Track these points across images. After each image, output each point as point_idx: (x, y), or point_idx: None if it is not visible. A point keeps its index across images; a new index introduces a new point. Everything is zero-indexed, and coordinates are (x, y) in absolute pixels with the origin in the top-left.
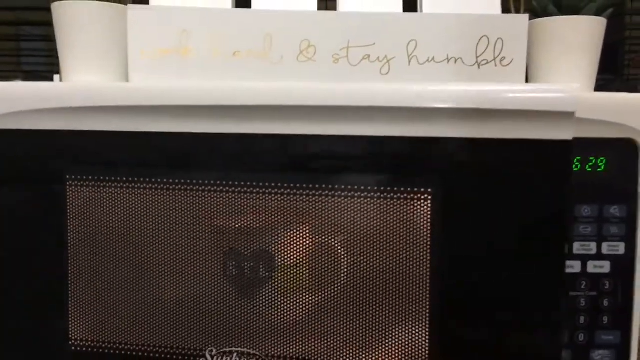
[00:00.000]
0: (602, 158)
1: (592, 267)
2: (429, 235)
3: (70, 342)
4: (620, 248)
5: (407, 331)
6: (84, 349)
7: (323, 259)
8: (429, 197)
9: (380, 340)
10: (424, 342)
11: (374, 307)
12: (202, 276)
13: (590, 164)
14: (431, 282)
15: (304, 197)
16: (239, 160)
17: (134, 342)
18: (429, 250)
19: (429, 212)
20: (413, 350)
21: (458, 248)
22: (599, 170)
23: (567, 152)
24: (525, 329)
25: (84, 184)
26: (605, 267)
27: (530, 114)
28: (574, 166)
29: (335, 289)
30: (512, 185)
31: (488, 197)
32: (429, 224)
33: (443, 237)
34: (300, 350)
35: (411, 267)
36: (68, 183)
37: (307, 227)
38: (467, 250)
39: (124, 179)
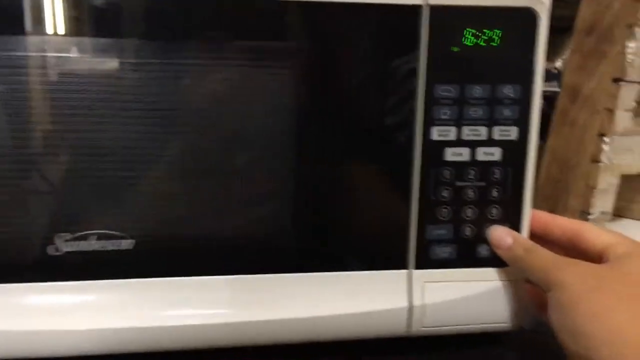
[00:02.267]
0: (497, 30)
1: (482, 154)
2: (287, 104)
3: None
4: (513, 133)
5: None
6: None
7: (177, 127)
8: (286, 66)
9: (242, 209)
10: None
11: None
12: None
13: (485, 37)
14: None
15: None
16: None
17: None
18: (287, 119)
19: (286, 81)
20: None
21: (314, 118)
22: (493, 44)
23: (415, 18)
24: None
25: None
26: (495, 154)
27: None
28: (467, 41)
29: (193, 158)
30: (366, 53)
31: (342, 67)
32: (286, 94)
33: (299, 106)
34: (164, 224)
35: (269, 135)
36: None
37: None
38: (322, 123)
39: None
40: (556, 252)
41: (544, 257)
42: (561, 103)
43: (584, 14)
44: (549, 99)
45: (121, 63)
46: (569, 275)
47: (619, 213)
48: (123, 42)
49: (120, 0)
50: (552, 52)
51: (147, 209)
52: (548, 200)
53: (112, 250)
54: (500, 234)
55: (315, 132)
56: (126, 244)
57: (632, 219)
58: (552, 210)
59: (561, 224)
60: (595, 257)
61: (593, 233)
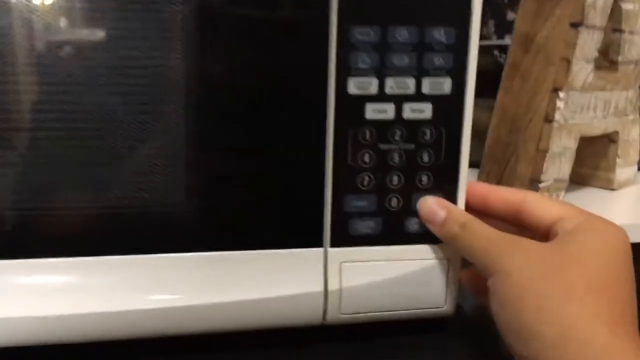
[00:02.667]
0: None
1: (409, 111)
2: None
3: None
4: (446, 85)
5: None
6: None
7: None
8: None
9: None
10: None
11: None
12: None
13: None
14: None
15: None
16: None
17: None
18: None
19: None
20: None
21: (207, 72)
22: None
23: None
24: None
25: None
26: (426, 110)
27: None
28: None
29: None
30: None
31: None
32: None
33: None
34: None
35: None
36: None
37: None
38: (218, 79)
39: None
40: (500, 229)
41: (483, 235)
42: (512, 54)
43: None
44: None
45: None
46: (513, 259)
47: (582, 181)
48: None
49: None
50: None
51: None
52: (496, 166)
53: None
54: (432, 207)
55: (211, 90)
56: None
57: (597, 187)
58: (501, 177)
59: (503, 195)
60: (542, 233)
61: (539, 205)
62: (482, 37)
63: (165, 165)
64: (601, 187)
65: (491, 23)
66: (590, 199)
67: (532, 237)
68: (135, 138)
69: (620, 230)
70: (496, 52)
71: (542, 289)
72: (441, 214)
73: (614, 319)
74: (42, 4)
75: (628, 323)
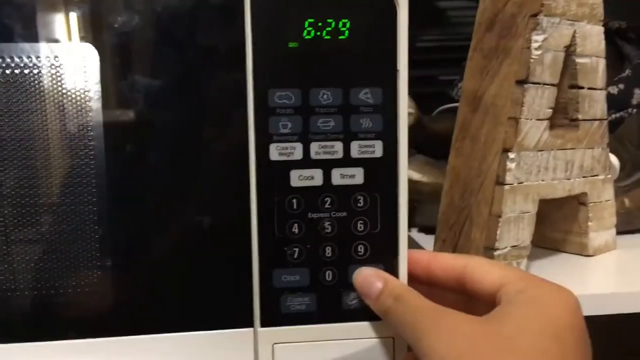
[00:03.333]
0: (344, 20)
1: (339, 176)
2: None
3: None
4: (377, 148)
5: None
6: None
7: None
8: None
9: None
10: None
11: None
12: None
13: (329, 28)
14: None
15: None
16: None
17: None
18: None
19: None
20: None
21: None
22: (341, 37)
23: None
24: (214, 258)
25: None
26: (357, 175)
27: None
28: (307, 34)
29: None
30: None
31: (149, 72)
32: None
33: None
34: None
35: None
36: None
37: None
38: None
39: None
40: (447, 299)
41: (415, 308)
42: (461, 114)
43: (484, 5)
44: None
45: None
46: (438, 337)
47: (555, 246)
48: None
49: None
50: None
51: None
52: (451, 233)
53: None
54: (367, 278)
55: (126, 165)
56: None
57: (571, 252)
58: (456, 244)
59: (445, 263)
60: (487, 301)
61: (480, 272)
62: (451, 99)
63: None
64: (576, 253)
65: (459, 85)
66: (564, 266)
67: (479, 307)
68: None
69: (567, 298)
70: None
71: None
72: (378, 285)
73: None
74: (74, 87)
75: None
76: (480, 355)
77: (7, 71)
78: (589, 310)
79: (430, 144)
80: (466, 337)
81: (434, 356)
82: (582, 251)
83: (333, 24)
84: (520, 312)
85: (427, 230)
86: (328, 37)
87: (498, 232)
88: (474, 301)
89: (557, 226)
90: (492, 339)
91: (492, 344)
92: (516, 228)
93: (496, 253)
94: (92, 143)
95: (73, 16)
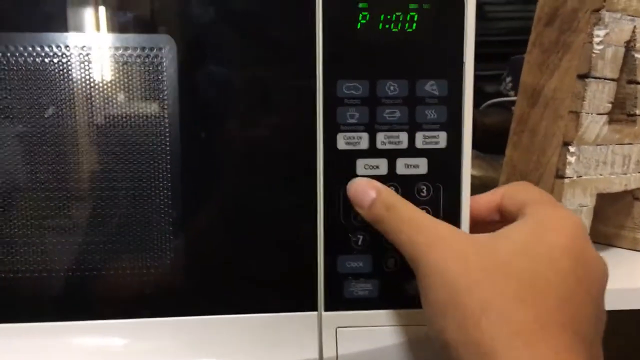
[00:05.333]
0: (412, 14)
1: (403, 166)
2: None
3: None
4: (441, 139)
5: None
6: None
7: None
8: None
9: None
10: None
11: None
12: None
13: (397, 21)
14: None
15: None
16: None
17: None
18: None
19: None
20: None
21: (192, 137)
22: (408, 30)
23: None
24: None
25: None
26: (421, 166)
27: None
28: (375, 26)
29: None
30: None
31: (219, 67)
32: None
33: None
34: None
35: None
36: None
37: None
38: (204, 142)
39: None
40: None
41: (410, 219)
42: (519, 107)
43: (543, 0)
44: None
45: None
46: (435, 253)
47: (607, 241)
48: None
49: None
50: None
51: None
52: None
53: None
54: (361, 186)
55: (197, 149)
56: None
57: (623, 247)
58: None
59: (485, 200)
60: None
61: (510, 196)
62: (499, 94)
63: (153, 228)
64: (628, 248)
65: (508, 80)
66: (615, 261)
67: None
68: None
69: (572, 223)
70: (513, 109)
71: (458, 294)
72: (371, 194)
73: (550, 334)
74: (102, 79)
75: (576, 340)
76: (472, 275)
77: (87, 59)
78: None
79: (480, 138)
80: (460, 257)
81: (427, 274)
82: (635, 246)
83: (402, 17)
84: (518, 234)
85: None
86: (396, 29)
87: None
88: None
89: (610, 221)
90: (484, 261)
91: (483, 265)
92: None
93: None
94: (168, 130)
95: (152, 8)
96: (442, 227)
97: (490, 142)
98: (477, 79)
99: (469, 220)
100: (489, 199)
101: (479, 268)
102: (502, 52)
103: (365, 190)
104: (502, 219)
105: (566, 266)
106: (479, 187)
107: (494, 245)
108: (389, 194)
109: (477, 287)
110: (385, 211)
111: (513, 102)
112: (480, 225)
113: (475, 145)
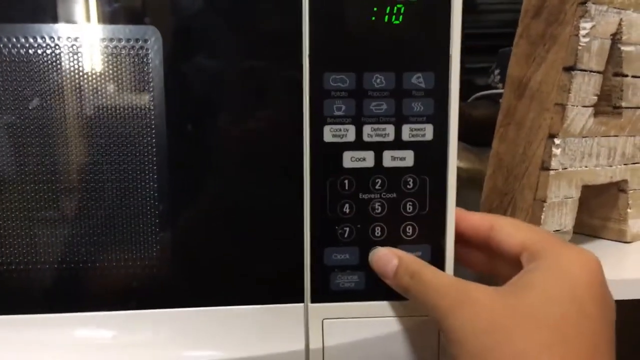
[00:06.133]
0: (399, 5)
1: (390, 159)
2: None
3: None
4: (427, 132)
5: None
6: None
7: None
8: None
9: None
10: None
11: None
12: None
13: (383, 13)
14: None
15: None
16: None
17: None
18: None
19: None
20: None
21: (178, 128)
22: (395, 22)
23: None
24: (266, 234)
25: None
26: (407, 158)
27: None
28: (361, 18)
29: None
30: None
31: (205, 57)
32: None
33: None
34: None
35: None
36: None
37: None
38: (191, 133)
39: None
40: (472, 258)
41: (433, 285)
42: (505, 100)
43: None
44: None
45: None
46: (461, 314)
47: (593, 233)
48: None
49: None
50: None
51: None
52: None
53: None
54: (382, 257)
55: (183, 142)
56: None
57: (609, 239)
58: None
59: (473, 222)
60: (511, 262)
61: (504, 232)
62: (487, 86)
63: (139, 222)
64: (614, 240)
65: (496, 72)
66: (602, 252)
67: (503, 266)
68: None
69: (587, 260)
70: (501, 102)
71: (492, 350)
72: (394, 262)
73: None
74: (88, 70)
75: None
76: (502, 329)
77: (79, 51)
78: (626, 294)
79: (468, 131)
80: (488, 312)
81: (458, 335)
82: (621, 237)
83: (388, 9)
84: (540, 280)
85: None
86: (383, 21)
87: (542, 216)
88: (498, 260)
89: (595, 213)
90: (513, 313)
91: (513, 318)
92: (559, 213)
93: None
94: (153, 122)
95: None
96: (466, 287)
97: (478, 135)
98: (467, 71)
99: (454, 212)
100: (477, 223)
101: (509, 321)
102: (492, 44)
103: (388, 259)
104: (491, 252)
105: (593, 311)
106: (466, 179)
107: (520, 296)
108: (411, 261)
109: (509, 340)
110: (410, 279)
111: (501, 95)
112: (460, 243)
113: (462, 138)
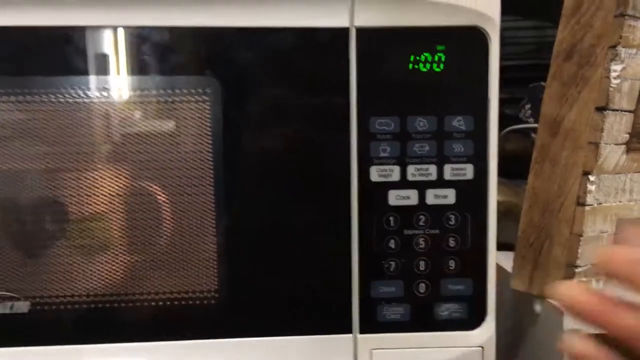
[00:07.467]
0: (439, 54)
1: (432, 197)
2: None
3: None
4: (468, 171)
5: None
6: None
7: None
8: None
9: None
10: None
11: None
12: None
13: (425, 62)
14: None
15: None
16: None
17: None
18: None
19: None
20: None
21: (236, 166)
22: (436, 70)
23: (341, 43)
24: (315, 269)
25: None
26: (449, 196)
27: None
28: (405, 66)
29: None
30: (290, 85)
31: (262, 103)
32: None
33: (219, 151)
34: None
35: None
36: None
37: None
38: (246, 171)
39: None
40: None
41: None
42: (540, 138)
43: (562, 35)
44: None
45: None
46: None
47: None
48: None
49: None
50: None
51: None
52: (531, 250)
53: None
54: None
55: (240, 181)
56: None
57: None
58: (536, 261)
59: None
60: None
61: None
62: (519, 120)
63: (196, 257)
64: None
65: (527, 107)
66: None
67: None
68: (169, 236)
69: None
70: (533, 135)
71: None
72: None
73: None
74: (120, 99)
75: None
76: None
77: (149, 101)
78: None
79: (501, 164)
80: None
81: None
82: None
83: (429, 57)
84: None
85: (500, 246)
86: (425, 69)
87: (579, 250)
88: None
89: None
90: None
91: None
92: (596, 247)
93: (577, 270)
94: (211, 162)
95: (197, 51)
96: None
97: (511, 168)
98: None
99: (495, 249)
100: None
101: None
102: (516, 76)
103: None
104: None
105: None
106: (502, 212)
107: None
108: None
109: None
110: None
111: (533, 129)
112: None
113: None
